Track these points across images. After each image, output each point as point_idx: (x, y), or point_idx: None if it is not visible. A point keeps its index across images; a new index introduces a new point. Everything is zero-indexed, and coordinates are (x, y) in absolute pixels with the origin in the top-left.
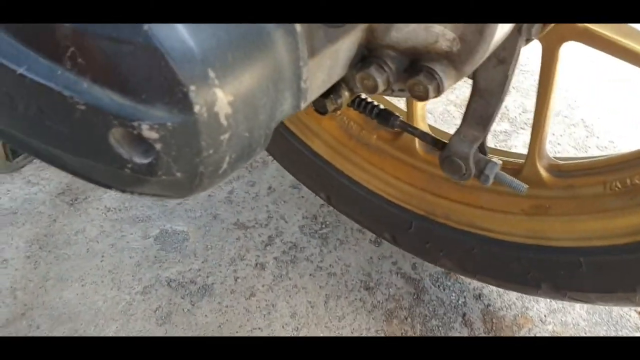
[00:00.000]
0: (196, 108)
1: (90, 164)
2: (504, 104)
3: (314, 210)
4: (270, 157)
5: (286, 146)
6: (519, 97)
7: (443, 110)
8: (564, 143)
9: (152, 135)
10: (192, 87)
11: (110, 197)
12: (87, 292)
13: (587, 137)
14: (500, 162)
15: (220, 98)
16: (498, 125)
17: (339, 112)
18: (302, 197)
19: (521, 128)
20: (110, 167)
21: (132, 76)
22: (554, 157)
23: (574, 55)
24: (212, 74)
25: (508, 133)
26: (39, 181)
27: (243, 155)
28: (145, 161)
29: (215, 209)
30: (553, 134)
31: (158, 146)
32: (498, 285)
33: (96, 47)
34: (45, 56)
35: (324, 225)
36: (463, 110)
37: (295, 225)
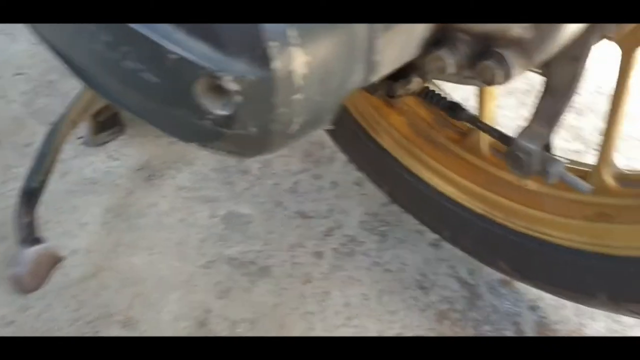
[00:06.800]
0: (273, 64)
1: (175, 114)
2: (578, 124)
3: (375, 208)
4: (337, 154)
5: (355, 139)
6: (593, 118)
7: (514, 125)
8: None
9: (233, 87)
10: (273, 44)
11: (184, 177)
12: (154, 260)
13: None
14: (566, 160)
15: (297, 57)
16: (570, 144)
17: (408, 108)
18: (365, 194)
19: (594, 149)
20: (192, 118)
21: (223, 29)
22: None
23: None
24: (293, 32)
25: (580, 153)
26: (120, 157)
27: (312, 119)
28: (224, 113)
29: (279, 197)
30: (628, 158)
31: (237, 99)
32: (552, 292)
33: None
34: None
35: (384, 223)
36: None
37: (356, 220)
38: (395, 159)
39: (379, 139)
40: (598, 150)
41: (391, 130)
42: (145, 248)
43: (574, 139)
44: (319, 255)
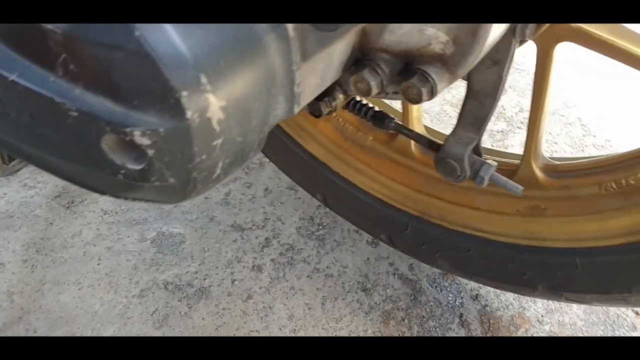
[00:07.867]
0: (188, 114)
1: (84, 169)
2: (500, 103)
3: (310, 212)
4: (267, 159)
5: (282, 148)
6: (515, 96)
7: (439, 110)
8: (561, 142)
9: (144, 141)
10: (184, 93)
11: (107, 200)
12: (84, 295)
13: (584, 136)
14: (496, 164)
15: (212, 103)
16: (495, 125)
17: (334, 114)
18: (299, 198)
19: (518, 127)
20: (103, 174)
21: (124, 82)
22: (550, 158)
23: (571, 55)
24: (204, 79)
25: (505, 132)
26: (35, 184)
27: (236, 160)
28: (138, 167)
29: (212, 211)
30: (550, 133)
31: (150, 152)
32: (495, 287)
33: (88, 53)
34: (37, 63)
35: (320, 227)
36: (459, 109)
37: (292, 227)
38: (325, 165)
39: (306, 146)
40: (524, 134)
41: (319, 136)
42: (74, 283)
43: (497, 119)
44: (258, 268)
